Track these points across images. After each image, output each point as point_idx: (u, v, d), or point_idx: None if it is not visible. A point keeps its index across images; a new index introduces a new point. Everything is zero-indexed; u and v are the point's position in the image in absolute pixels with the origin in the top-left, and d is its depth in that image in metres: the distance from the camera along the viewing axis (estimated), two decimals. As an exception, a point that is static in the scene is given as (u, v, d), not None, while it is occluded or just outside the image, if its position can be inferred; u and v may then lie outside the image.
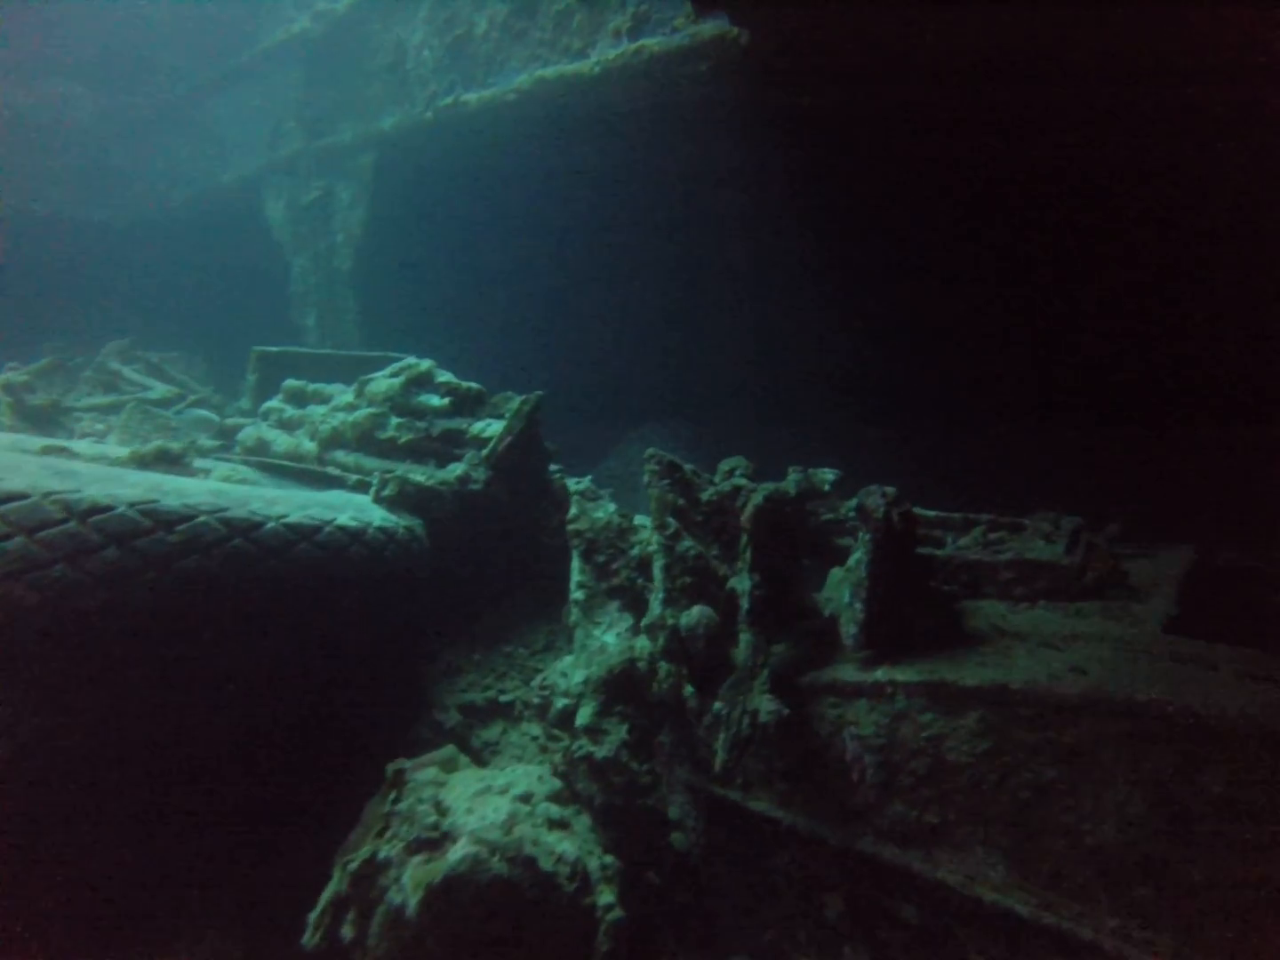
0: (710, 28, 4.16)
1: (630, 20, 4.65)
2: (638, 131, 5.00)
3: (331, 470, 3.63)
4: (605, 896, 2.10)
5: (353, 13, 6.84)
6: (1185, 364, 4.14)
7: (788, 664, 2.27)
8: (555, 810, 2.23)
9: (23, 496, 2.06)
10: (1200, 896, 1.64)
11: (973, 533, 2.84)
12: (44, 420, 4.81)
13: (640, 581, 2.83)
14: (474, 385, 3.81)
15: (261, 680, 2.43)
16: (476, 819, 2.09)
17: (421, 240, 6.74)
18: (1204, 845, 1.64)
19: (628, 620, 2.76)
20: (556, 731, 2.66)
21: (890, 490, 2.22)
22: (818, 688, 2.19)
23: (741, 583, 2.36)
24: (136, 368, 5.98)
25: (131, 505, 2.18)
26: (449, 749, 2.47)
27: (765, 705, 2.12)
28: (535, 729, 2.79)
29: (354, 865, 2.02)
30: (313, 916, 2.02)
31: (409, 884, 1.95)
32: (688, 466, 2.80)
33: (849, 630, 2.21)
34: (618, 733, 2.32)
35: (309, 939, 2.00)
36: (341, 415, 3.84)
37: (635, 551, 2.89)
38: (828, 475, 2.87)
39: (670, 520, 2.62)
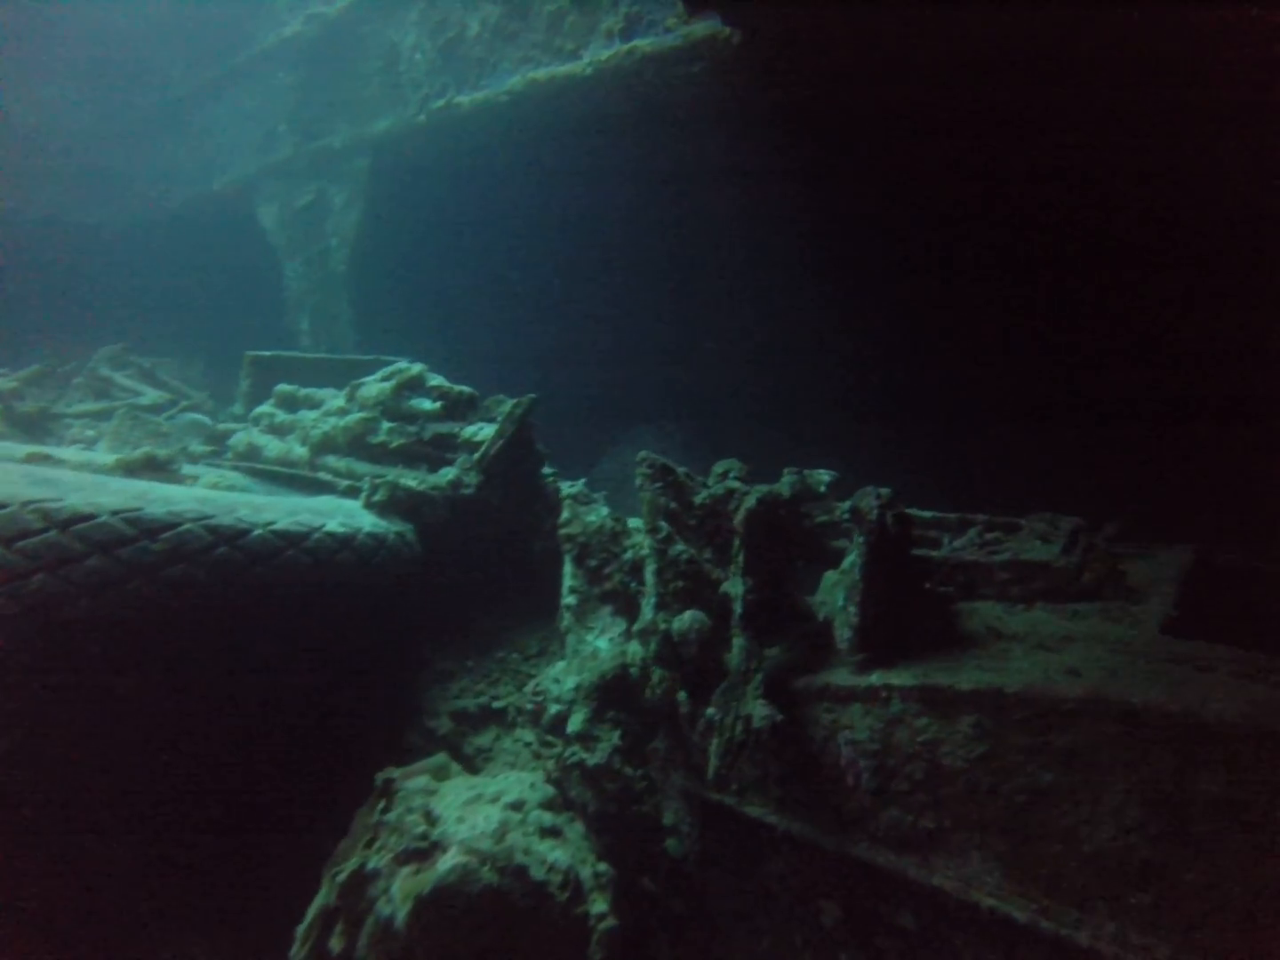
0: (702, 28, 4.16)
1: (622, 21, 4.64)
2: (630, 132, 4.99)
3: (322, 475, 3.61)
4: (598, 905, 2.08)
5: (346, 15, 6.84)
6: (1185, 364, 4.12)
7: (782, 668, 2.25)
8: (548, 818, 2.21)
9: (1, 506, 2.03)
10: (1199, 900, 1.61)
11: (969, 533, 2.81)
12: (34, 427, 4.78)
13: (633, 586, 2.80)
14: (466, 389, 3.78)
15: (249, 689, 2.40)
16: (467, 828, 2.06)
17: (415, 243, 6.73)
18: (1202, 848, 1.62)
19: (621, 625, 2.74)
20: (550, 738, 2.64)
21: (885, 492, 2.19)
22: (812, 692, 2.17)
23: (734, 587, 2.33)
24: (129, 373, 5.94)
25: (114, 513, 2.15)
26: (441, 756, 2.45)
27: (759, 710, 2.10)
28: (529, 735, 2.76)
29: (342, 876, 2.00)
30: (300, 929, 2.00)
31: (398, 895, 1.93)
32: (681, 469, 2.77)
33: (843, 634, 2.19)
34: (610, 739, 2.30)
35: (296, 952, 1.98)
36: (333, 420, 3.82)
37: (628, 555, 2.86)
38: (823, 477, 2.83)
39: (663, 524, 2.59)
